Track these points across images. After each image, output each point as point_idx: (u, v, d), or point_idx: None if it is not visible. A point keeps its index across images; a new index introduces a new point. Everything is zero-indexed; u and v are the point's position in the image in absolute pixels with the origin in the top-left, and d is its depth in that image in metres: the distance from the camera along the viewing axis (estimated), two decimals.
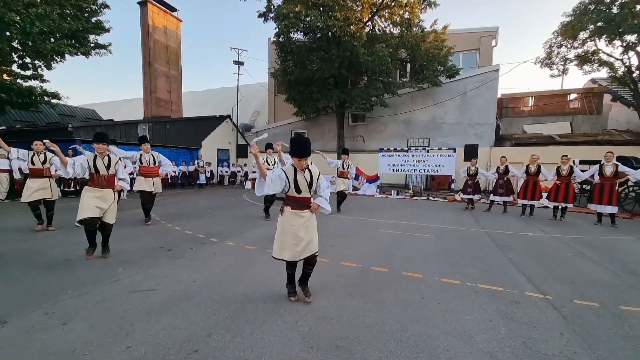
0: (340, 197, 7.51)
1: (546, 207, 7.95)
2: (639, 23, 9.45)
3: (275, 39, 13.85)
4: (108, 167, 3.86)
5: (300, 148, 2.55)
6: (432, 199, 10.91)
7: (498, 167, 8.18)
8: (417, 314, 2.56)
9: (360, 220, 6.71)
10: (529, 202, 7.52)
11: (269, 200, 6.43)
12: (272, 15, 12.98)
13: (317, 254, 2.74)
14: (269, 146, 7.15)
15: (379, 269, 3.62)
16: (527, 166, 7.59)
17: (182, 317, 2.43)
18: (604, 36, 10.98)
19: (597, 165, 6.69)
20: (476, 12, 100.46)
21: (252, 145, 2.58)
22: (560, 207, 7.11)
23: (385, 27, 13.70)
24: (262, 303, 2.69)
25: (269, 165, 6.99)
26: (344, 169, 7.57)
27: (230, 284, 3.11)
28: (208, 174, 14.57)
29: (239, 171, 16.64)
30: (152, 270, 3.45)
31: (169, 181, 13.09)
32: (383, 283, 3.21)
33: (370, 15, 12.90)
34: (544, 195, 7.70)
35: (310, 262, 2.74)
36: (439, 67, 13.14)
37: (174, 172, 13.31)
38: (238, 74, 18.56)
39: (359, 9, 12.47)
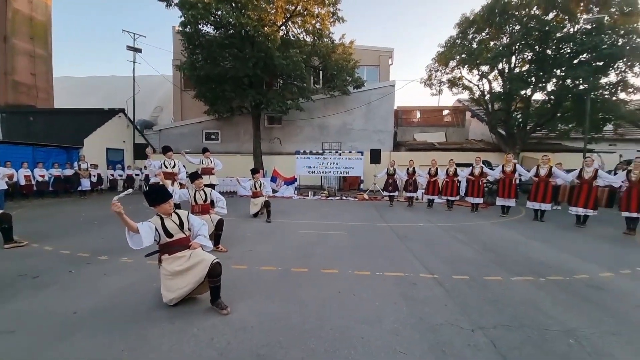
0: (267, 206, 7.00)
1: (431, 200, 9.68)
2: (491, 56, 12.43)
3: (181, 29, 12.51)
4: None
5: (157, 196, 2.67)
6: (344, 198, 11.77)
7: (407, 169, 9.70)
8: (335, 308, 2.71)
9: (279, 223, 6.70)
10: (452, 198, 9.14)
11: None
12: (176, 1, 11.71)
13: (215, 262, 2.58)
14: (205, 150, 7.49)
15: (299, 270, 3.68)
16: (447, 169, 9.19)
17: None
18: (466, 66, 14.01)
19: (470, 167, 8.70)
20: (376, 32, 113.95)
21: (113, 202, 2.39)
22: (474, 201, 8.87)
23: (299, 34, 14.10)
24: (169, 324, 2.38)
25: (206, 165, 7.36)
26: (256, 189, 7.20)
27: (127, 308, 2.64)
28: (94, 179, 12.03)
29: (137, 174, 14.34)
30: (10, 306, 2.63)
31: (34, 188, 10.23)
32: (303, 283, 3.28)
33: (284, 20, 13.06)
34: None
35: (212, 274, 2.55)
36: (347, 77, 14.31)
37: (42, 176, 10.49)
38: (134, 62, 16.00)
39: (273, 11, 12.48)
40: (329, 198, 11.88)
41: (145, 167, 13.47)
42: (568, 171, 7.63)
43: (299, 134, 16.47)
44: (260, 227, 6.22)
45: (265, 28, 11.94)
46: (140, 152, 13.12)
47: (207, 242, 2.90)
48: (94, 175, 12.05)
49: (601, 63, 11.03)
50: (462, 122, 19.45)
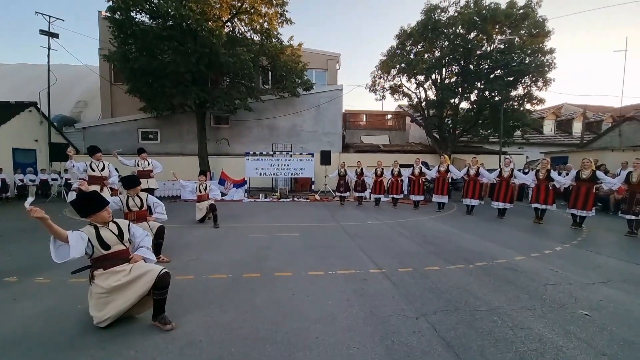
0: (213, 210, 6.56)
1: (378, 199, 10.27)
2: (426, 67, 13.68)
3: (109, 14, 11.13)
4: None
5: (92, 204, 2.36)
6: (296, 200, 11.77)
7: (356, 170, 10.15)
8: (290, 311, 2.69)
9: (229, 227, 6.40)
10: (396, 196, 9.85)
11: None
12: None
13: (164, 272, 2.35)
14: (141, 151, 7.13)
15: (251, 275, 3.57)
16: (392, 169, 9.81)
17: None
18: (405, 74, 15.21)
19: (411, 168, 9.54)
20: (323, 38, 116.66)
21: (30, 209, 2.00)
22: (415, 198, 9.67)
23: (246, 32, 13.69)
24: (100, 350, 2.10)
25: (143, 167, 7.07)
26: (201, 192, 6.67)
27: (46, 337, 2.25)
28: None
29: (55, 179, 12.32)
30: None
31: None
32: (255, 288, 3.18)
33: (229, 16, 12.54)
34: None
35: (159, 285, 2.32)
36: (297, 79, 14.35)
37: None
38: (49, 49, 13.72)
39: (218, 6, 11.90)
40: (281, 200, 11.76)
41: (65, 170, 11.68)
42: (490, 171, 8.80)
43: (248, 135, 15.98)
44: (207, 233, 5.86)
45: (210, 23, 11.31)
46: (58, 152, 11.23)
47: (150, 254, 2.64)
48: None
49: (512, 78, 12.99)
50: (403, 126, 21.03)
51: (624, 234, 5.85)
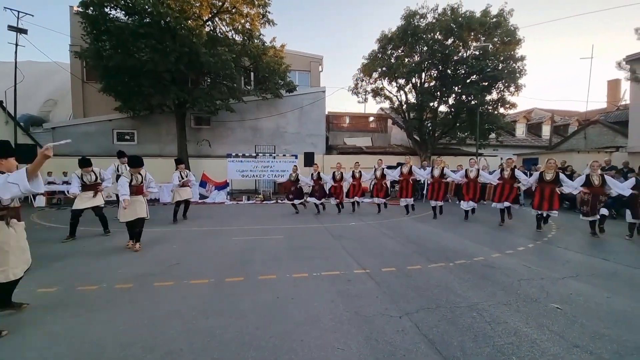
0: (184, 204, 7.49)
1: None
2: (406, 71, 14.04)
3: (81, 9, 10.61)
4: None
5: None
6: (280, 202, 11.69)
7: (312, 174, 9.28)
8: (274, 314, 2.67)
9: (211, 231, 6.26)
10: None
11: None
12: None
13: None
14: (122, 154, 6.71)
15: (235, 279, 3.50)
16: (353, 172, 9.41)
17: None
18: (387, 78, 15.53)
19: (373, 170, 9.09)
20: (305, 40, 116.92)
21: (48, 147, 2.27)
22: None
23: (228, 32, 13.48)
24: None
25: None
26: (183, 178, 7.43)
27: (12, 349, 2.10)
28: None
29: None
30: None
31: None
32: (239, 293, 3.13)
33: (210, 15, 12.31)
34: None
35: None
36: (280, 81, 14.29)
37: None
38: (17, 45, 12.87)
39: (198, 4, 11.65)
40: (264, 202, 11.63)
41: None
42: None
43: (230, 136, 15.69)
44: (188, 237, 5.70)
45: (189, 21, 11.06)
46: (24, 154, 10.48)
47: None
48: None
49: (486, 83, 13.59)
50: (385, 128, 21.43)
51: (595, 232, 5.80)
